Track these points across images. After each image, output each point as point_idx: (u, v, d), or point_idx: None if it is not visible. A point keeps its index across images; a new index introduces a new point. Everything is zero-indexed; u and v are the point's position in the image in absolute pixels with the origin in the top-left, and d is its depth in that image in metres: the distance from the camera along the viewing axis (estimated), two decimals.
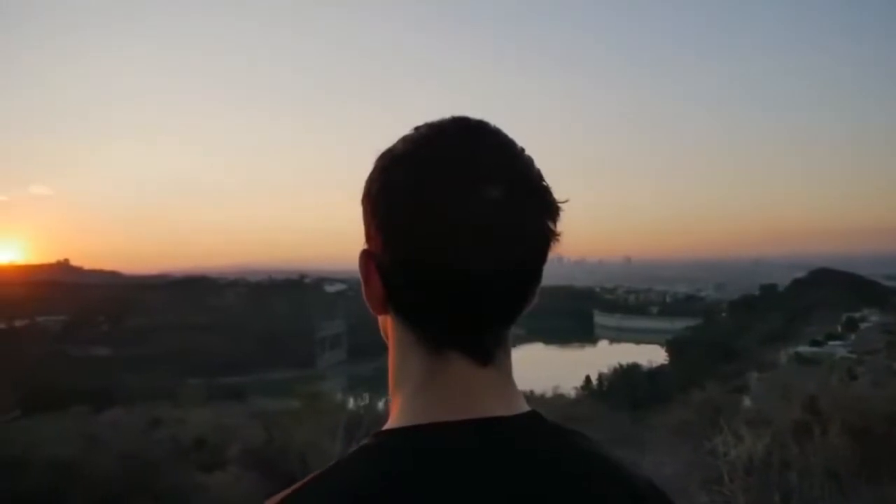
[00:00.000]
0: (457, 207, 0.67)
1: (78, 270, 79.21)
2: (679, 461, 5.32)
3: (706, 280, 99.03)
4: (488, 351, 0.71)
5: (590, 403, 20.04)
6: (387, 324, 0.76)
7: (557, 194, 0.74)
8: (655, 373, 41.83)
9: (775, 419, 6.45)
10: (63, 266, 78.69)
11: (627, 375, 39.97)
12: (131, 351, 47.56)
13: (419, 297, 0.70)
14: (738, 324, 59.49)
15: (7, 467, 11.35)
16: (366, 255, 0.73)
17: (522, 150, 0.74)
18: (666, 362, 50.00)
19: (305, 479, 0.68)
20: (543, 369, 40.21)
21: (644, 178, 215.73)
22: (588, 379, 40.52)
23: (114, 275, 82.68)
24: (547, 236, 0.72)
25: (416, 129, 0.74)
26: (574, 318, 79.08)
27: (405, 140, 0.73)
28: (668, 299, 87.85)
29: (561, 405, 14.84)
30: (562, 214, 0.73)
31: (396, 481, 0.64)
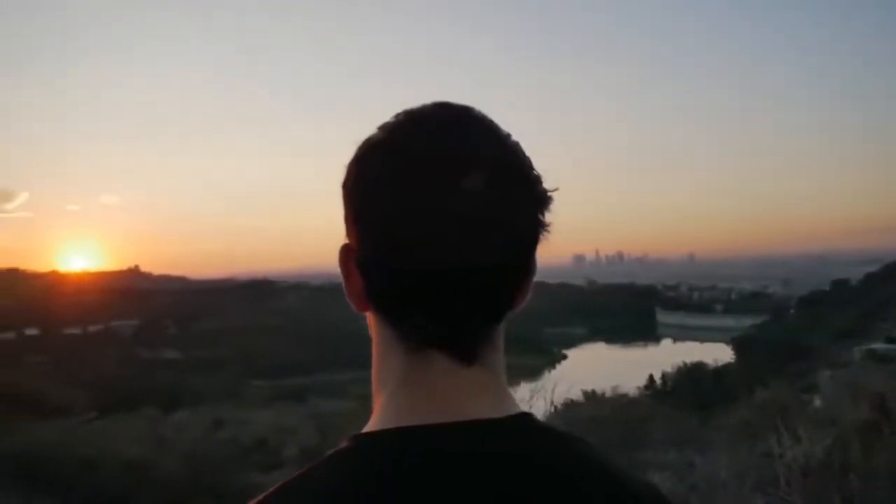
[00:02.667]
0: (435, 197, 0.62)
1: (147, 276, 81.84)
2: (736, 462, 5.20)
3: (772, 276, 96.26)
4: (472, 350, 0.67)
5: (650, 403, 19.68)
6: (369, 321, 0.72)
7: (554, 184, 0.69)
8: (721, 371, 40.77)
9: (840, 419, 6.23)
10: (133, 272, 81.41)
11: (692, 374, 39.06)
12: (199, 353, 48.80)
13: (397, 293, 0.66)
14: (808, 321, 57.54)
15: (82, 467, 11.82)
16: (345, 250, 0.70)
17: (508, 135, 0.69)
18: (732, 361, 48.69)
19: (282, 482, 0.65)
20: (605, 369, 39.77)
21: (707, 174, 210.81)
22: (651, 378, 39.76)
23: (181, 280, 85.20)
24: (534, 227, 0.68)
25: (396, 115, 0.69)
26: (636, 317, 77.80)
27: (383, 127, 0.68)
28: (732, 296, 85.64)
29: (620, 405, 14.61)
30: (552, 204, 0.69)
31: (372, 485, 0.61)
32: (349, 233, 0.68)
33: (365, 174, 0.67)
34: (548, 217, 0.69)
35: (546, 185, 0.69)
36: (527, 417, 0.69)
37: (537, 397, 9.30)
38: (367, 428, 0.67)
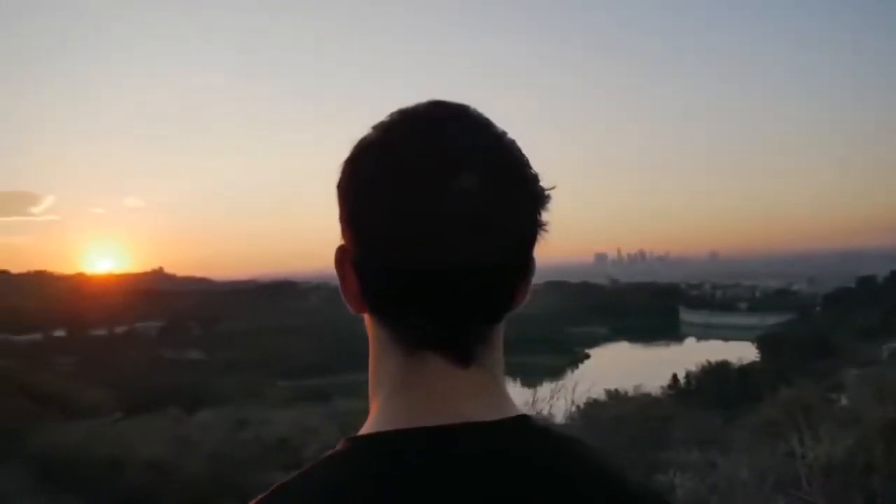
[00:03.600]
0: (428, 197, 0.62)
1: (171, 278, 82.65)
2: (758, 462, 5.15)
3: (797, 274, 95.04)
4: (469, 351, 0.66)
5: (673, 402, 19.54)
6: (366, 323, 0.71)
7: (551, 183, 0.68)
8: (746, 370, 40.32)
9: (864, 418, 6.13)
10: (157, 274, 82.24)
11: (716, 373, 38.66)
12: (222, 354, 49.17)
13: (392, 294, 0.65)
14: (834, 318, 56.81)
15: (107, 466, 11.96)
16: (340, 251, 0.69)
17: (503, 134, 0.68)
18: (757, 360, 48.14)
19: (279, 483, 0.65)
20: (628, 368, 39.50)
21: (730, 171, 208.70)
22: (675, 377, 39.41)
23: (205, 281, 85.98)
24: (531, 226, 0.67)
25: (391, 114, 0.68)
26: (659, 316, 77.13)
27: (377, 127, 0.67)
28: (757, 294, 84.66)
29: (643, 404, 14.52)
30: (550, 203, 0.68)
31: (368, 487, 0.61)
32: (344, 233, 0.68)
33: (358, 174, 0.66)
34: (545, 216, 0.68)
35: (543, 183, 0.68)
36: (525, 419, 0.68)
37: (558, 397, 9.28)
38: (364, 430, 0.67)
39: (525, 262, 0.69)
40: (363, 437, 0.66)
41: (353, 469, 0.63)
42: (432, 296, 0.63)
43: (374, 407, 0.69)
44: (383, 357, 0.69)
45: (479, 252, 0.62)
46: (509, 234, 0.65)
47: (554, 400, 9.21)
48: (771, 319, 66.88)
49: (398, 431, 0.64)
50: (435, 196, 0.62)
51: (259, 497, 0.64)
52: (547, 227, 0.68)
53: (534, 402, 9.52)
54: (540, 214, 0.67)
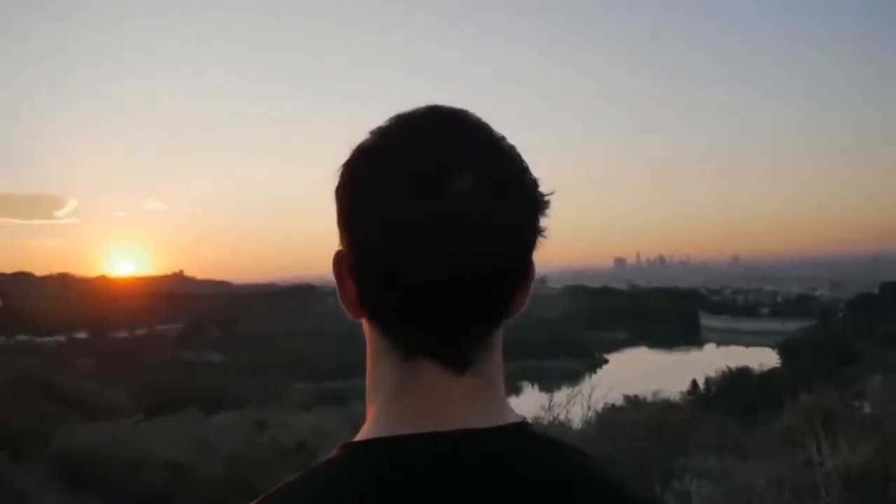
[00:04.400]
0: (423, 202, 0.61)
1: (191, 281, 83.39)
2: (775, 470, 5.08)
3: (820, 278, 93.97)
4: (465, 358, 0.65)
5: (692, 408, 19.37)
6: (364, 328, 0.71)
7: (549, 187, 0.67)
8: (767, 377, 39.89)
9: (886, 426, 6.04)
10: (178, 277, 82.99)
11: (736, 379, 38.29)
12: (242, 357, 49.39)
13: (386, 300, 0.65)
14: (857, 324, 56.05)
15: (128, 467, 12.07)
16: (338, 256, 0.69)
17: (501, 138, 0.67)
18: (778, 366, 47.63)
19: (269, 492, 0.65)
20: (648, 373, 39.22)
21: (751, 175, 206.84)
22: (694, 383, 39.08)
23: (224, 284, 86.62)
24: (528, 231, 0.66)
25: (389, 119, 0.68)
26: (679, 321, 76.54)
27: (374, 131, 0.67)
28: (779, 299, 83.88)
29: (662, 410, 14.41)
30: (549, 208, 0.67)
31: (360, 494, 0.61)
32: (341, 238, 0.68)
33: (355, 179, 0.66)
34: (544, 221, 0.67)
35: (543, 188, 0.67)
36: (522, 426, 0.67)
37: (574, 402, 9.25)
38: (359, 436, 0.67)
39: (523, 267, 0.68)
40: (359, 442, 0.66)
41: (349, 475, 0.63)
42: (427, 301, 0.62)
43: (371, 412, 0.69)
44: (380, 362, 0.69)
45: (474, 257, 0.62)
46: (506, 238, 0.64)
47: (570, 405, 9.20)
48: (793, 325, 66.10)
49: (393, 437, 0.64)
50: (430, 200, 0.61)
51: (259, 498, 0.64)
52: (545, 233, 0.68)
53: (550, 406, 9.52)
54: (538, 219, 0.67)
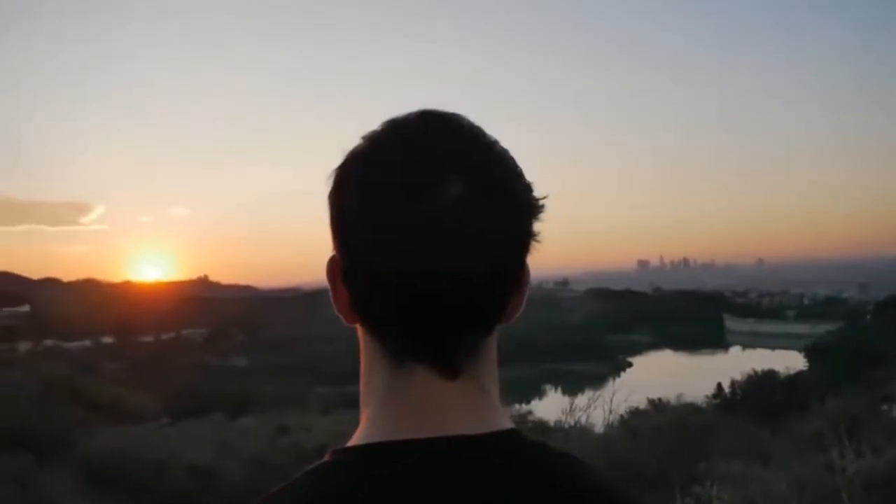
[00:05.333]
0: (412, 207, 0.61)
1: (216, 286, 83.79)
2: (797, 475, 5.02)
3: (847, 280, 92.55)
4: (456, 363, 0.65)
5: (716, 412, 19.20)
6: (359, 334, 0.71)
7: (544, 192, 0.67)
8: (793, 380, 39.31)
9: None
10: (203, 282, 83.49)
11: (762, 383, 37.80)
12: (265, 361, 49.69)
13: (378, 306, 0.65)
14: (886, 327, 55.04)
15: (153, 470, 12.22)
16: (332, 262, 0.69)
17: (494, 143, 0.67)
18: (805, 369, 46.97)
19: (262, 496, 0.66)
20: (672, 377, 38.87)
21: (776, 176, 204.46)
22: (719, 386, 38.67)
23: (249, 289, 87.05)
24: (519, 236, 0.66)
25: (382, 124, 0.68)
26: (703, 324, 75.78)
27: (366, 137, 0.67)
28: (805, 302, 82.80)
29: (685, 413, 14.29)
30: (542, 213, 0.67)
31: (348, 501, 0.62)
32: (334, 244, 0.68)
33: (345, 184, 0.66)
34: (537, 226, 0.67)
35: (537, 193, 0.67)
36: (513, 433, 0.67)
37: (595, 405, 9.21)
38: (351, 442, 0.67)
39: (516, 272, 0.67)
40: (349, 448, 0.66)
41: (339, 480, 0.64)
42: (417, 307, 0.62)
43: (364, 418, 0.69)
44: (373, 368, 0.69)
45: (465, 262, 0.61)
46: (497, 243, 0.63)
47: (591, 409, 9.16)
48: (820, 328, 65.14)
49: (383, 443, 0.64)
50: (420, 206, 0.61)
51: (255, 502, 0.65)
52: (539, 237, 0.67)
53: (571, 410, 9.50)
54: (531, 224, 0.66)
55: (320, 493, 0.63)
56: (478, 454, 0.63)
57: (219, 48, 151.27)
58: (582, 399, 9.84)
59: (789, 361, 46.45)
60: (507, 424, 0.68)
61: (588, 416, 8.85)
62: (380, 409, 0.67)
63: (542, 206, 0.67)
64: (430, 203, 0.61)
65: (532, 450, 0.66)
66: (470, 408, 0.66)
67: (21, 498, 10.69)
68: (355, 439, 0.67)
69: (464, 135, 0.66)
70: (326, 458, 0.66)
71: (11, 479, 11.28)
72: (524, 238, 0.66)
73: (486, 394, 0.69)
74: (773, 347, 62.30)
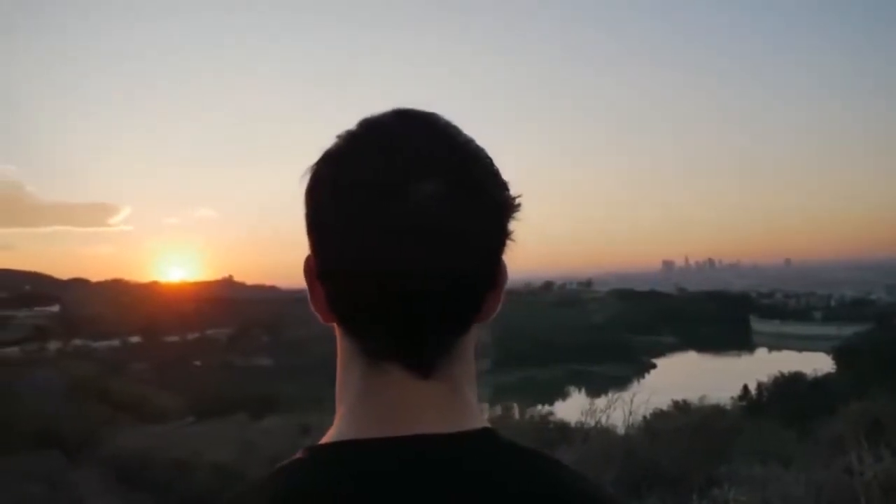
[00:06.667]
0: (384, 206, 0.61)
1: (240, 286, 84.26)
2: (815, 478, 4.98)
3: (876, 281, 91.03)
4: (429, 362, 0.66)
5: (741, 414, 18.97)
6: (336, 333, 0.71)
7: (520, 191, 0.67)
8: (821, 382, 38.73)
9: None
10: (227, 282, 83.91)
11: (789, 385, 37.31)
12: (289, 361, 49.95)
13: (352, 305, 0.66)
14: None
15: (177, 469, 12.37)
16: (308, 260, 0.69)
17: (469, 141, 0.67)
18: (833, 371, 46.26)
19: (231, 493, 0.68)
20: (697, 378, 38.52)
21: (803, 175, 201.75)
22: (745, 388, 38.24)
23: (273, 289, 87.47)
24: (493, 236, 0.66)
25: (357, 123, 0.68)
26: (729, 325, 75.00)
27: (340, 136, 0.67)
28: (832, 303, 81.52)
29: (708, 415, 14.17)
30: (517, 213, 0.67)
31: (318, 498, 0.62)
32: (309, 243, 0.68)
33: (319, 184, 0.66)
34: (512, 225, 0.67)
35: (512, 192, 0.67)
36: (487, 433, 0.67)
37: (616, 406, 9.17)
38: (324, 440, 0.68)
39: (491, 272, 0.67)
40: (322, 445, 0.67)
41: (310, 477, 0.64)
42: (389, 305, 0.62)
43: (337, 416, 0.69)
44: (347, 367, 0.70)
45: (437, 261, 0.61)
46: (470, 242, 0.63)
47: (611, 409, 9.13)
48: (848, 329, 64.18)
49: (354, 441, 0.65)
50: (392, 204, 0.61)
51: (224, 499, 0.67)
52: (513, 237, 0.67)
53: (592, 411, 9.46)
54: (506, 223, 0.66)
55: (291, 490, 0.64)
56: (448, 454, 0.64)
57: (246, 49, 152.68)
58: (604, 400, 9.80)
59: (817, 363, 45.80)
60: (481, 424, 0.68)
61: (608, 417, 8.81)
62: (353, 407, 0.68)
63: (518, 205, 0.67)
64: (403, 202, 0.61)
65: (503, 449, 0.66)
66: (443, 407, 0.66)
67: (50, 495, 10.89)
68: (328, 437, 0.68)
69: (438, 134, 0.66)
70: (299, 454, 0.67)
71: (40, 477, 11.50)
72: (499, 237, 0.66)
73: (461, 393, 0.69)
74: (799, 349, 61.51)
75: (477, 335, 0.72)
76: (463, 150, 0.66)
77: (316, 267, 0.68)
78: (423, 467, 0.62)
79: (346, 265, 0.63)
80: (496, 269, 0.67)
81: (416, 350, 0.65)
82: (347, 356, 0.69)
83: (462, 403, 0.68)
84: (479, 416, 0.69)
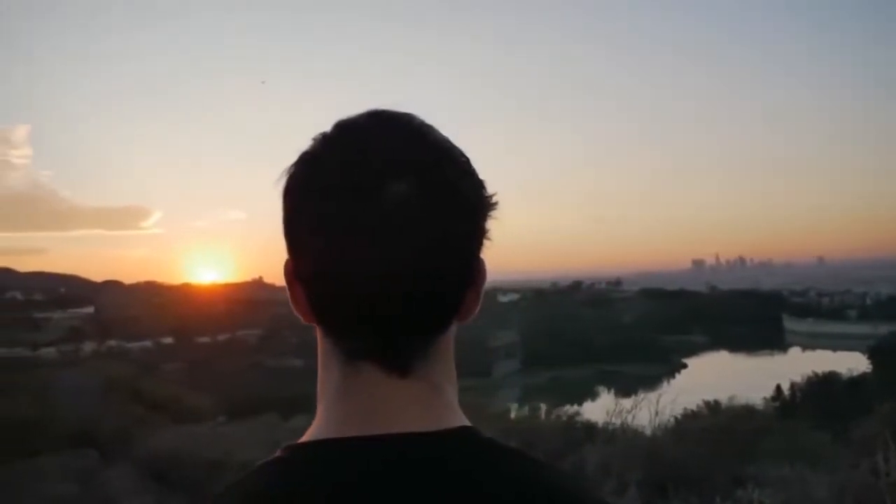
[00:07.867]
0: (357, 207, 0.62)
1: (270, 287, 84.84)
2: (839, 479, 4.93)
3: None
4: (406, 361, 0.66)
5: (773, 414, 18.74)
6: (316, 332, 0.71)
7: (497, 191, 0.67)
8: (856, 382, 38.05)
9: None
10: (257, 284, 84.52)
11: (823, 385, 36.71)
12: (316, 361, 50.28)
13: (329, 306, 0.66)
14: None
15: (209, 468, 12.52)
16: (288, 263, 0.70)
17: (443, 141, 0.67)
18: (869, 371, 45.38)
19: (212, 493, 0.68)
20: (728, 378, 38.08)
21: (835, 172, 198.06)
22: (778, 388, 37.72)
23: None
24: (468, 235, 0.66)
25: (332, 125, 0.69)
26: (761, 324, 73.95)
27: (315, 138, 0.68)
28: (868, 301, 79.92)
29: (739, 416, 14.04)
30: (494, 212, 0.68)
31: (296, 497, 0.62)
32: (286, 245, 0.69)
33: (293, 186, 0.67)
34: (488, 223, 0.68)
35: (487, 190, 0.68)
36: (465, 431, 0.67)
37: (642, 407, 9.13)
38: (303, 438, 0.68)
39: (469, 271, 0.68)
40: (300, 444, 0.67)
41: (288, 477, 0.65)
42: (364, 306, 0.63)
43: (317, 415, 0.70)
44: (327, 366, 0.70)
45: (410, 261, 0.62)
46: (444, 242, 0.64)
47: (637, 409, 9.08)
48: (884, 328, 62.93)
49: (332, 440, 0.65)
50: (367, 206, 0.62)
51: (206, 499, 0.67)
52: (487, 234, 0.68)
53: (619, 411, 9.43)
54: (482, 222, 0.67)
55: (269, 488, 0.64)
56: (427, 452, 0.64)
57: (275, 54, 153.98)
58: (633, 401, 9.75)
59: (852, 363, 44.96)
60: (460, 422, 0.68)
61: (634, 418, 8.78)
62: (332, 407, 0.68)
63: (494, 204, 0.68)
64: (377, 203, 0.62)
65: (482, 447, 0.66)
66: (422, 405, 0.67)
67: (84, 494, 11.11)
68: (307, 435, 0.68)
69: (413, 134, 0.67)
70: (278, 453, 0.67)
71: (76, 476, 11.74)
72: (475, 236, 0.67)
73: (439, 392, 0.69)
74: (833, 348, 60.51)
75: (454, 333, 0.72)
76: (437, 150, 0.66)
77: (294, 268, 0.69)
78: (404, 466, 0.62)
79: (321, 267, 0.64)
80: (473, 268, 0.68)
81: (393, 350, 0.66)
82: (327, 356, 0.70)
83: (441, 402, 0.69)
84: (460, 414, 0.69)
